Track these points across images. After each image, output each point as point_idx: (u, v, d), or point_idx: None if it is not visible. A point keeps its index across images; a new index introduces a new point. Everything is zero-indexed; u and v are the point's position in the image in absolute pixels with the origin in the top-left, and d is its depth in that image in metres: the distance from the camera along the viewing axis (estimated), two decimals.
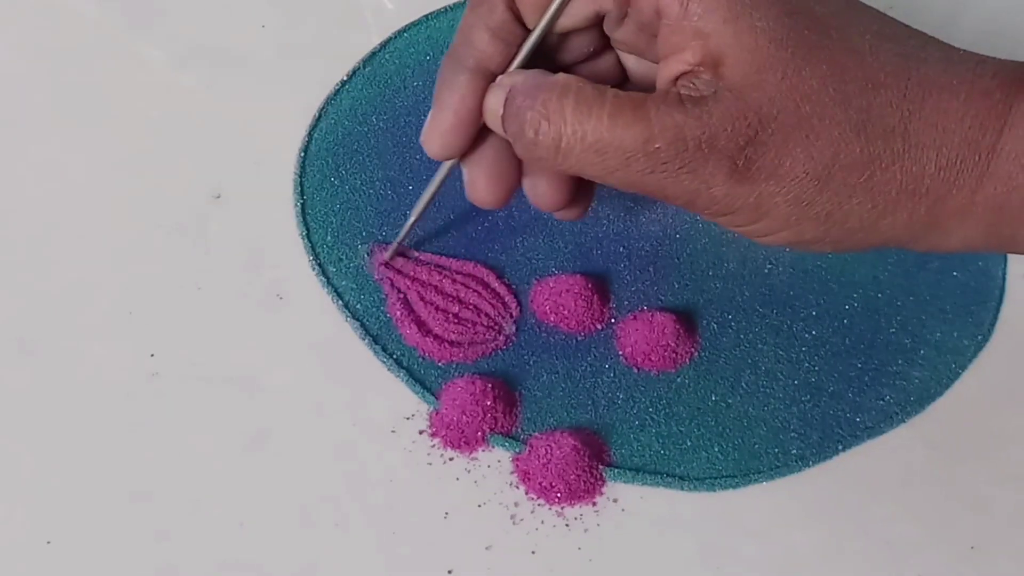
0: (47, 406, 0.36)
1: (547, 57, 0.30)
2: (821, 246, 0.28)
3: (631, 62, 0.31)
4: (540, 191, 0.31)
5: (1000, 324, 0.40)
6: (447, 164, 0.33)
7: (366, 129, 0.44)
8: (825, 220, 0.27)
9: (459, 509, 0.34)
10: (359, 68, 0.47)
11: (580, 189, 0.31)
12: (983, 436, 0.37)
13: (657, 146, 0.25)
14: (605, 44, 0.31)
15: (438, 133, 0.30)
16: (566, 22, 0.29)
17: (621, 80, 0.32)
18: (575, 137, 0.26)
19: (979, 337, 0.39)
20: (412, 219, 0.37)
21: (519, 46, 0.29)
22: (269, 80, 0.46)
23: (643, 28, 0.28)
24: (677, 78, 0.26)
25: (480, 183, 0.31)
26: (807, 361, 0.38)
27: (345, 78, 0.46)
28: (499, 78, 0.29)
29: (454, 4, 0.50)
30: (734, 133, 0.25)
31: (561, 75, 0.27)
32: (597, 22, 0.29)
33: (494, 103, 0.29)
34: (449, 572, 0.33)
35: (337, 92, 0.46)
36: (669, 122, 0.25)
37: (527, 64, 0.29)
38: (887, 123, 0.26)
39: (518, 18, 0.29)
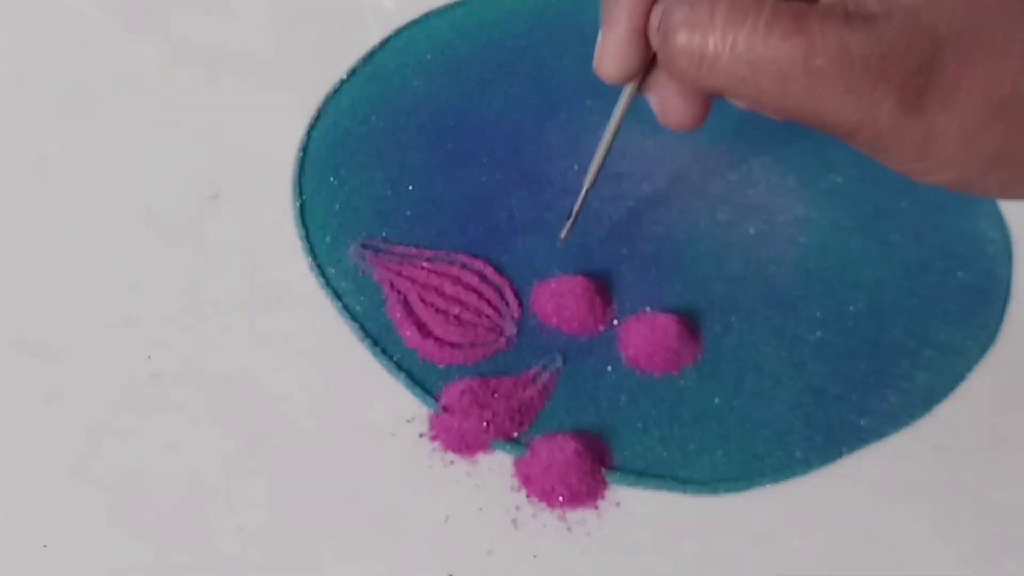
0: (46, 406, 0.35)
1: None
2: (982, 190, 0.26)
3: None
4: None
5: (1006, 326, 0.40)
6: (627, 93, 0.30)
7: (366, 129, 0.44)
8: (993, 159, 0.24)
9: (460, 513, 0.34)
10: (359, 68, 0.46)
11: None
12: (989, 439, 0.37)
13: (819, 62, 0.23)
14: None
15: (613, 49, 0.27)
16: None
17: None
18: (724, 45, 0.24)
19: (984, 339, 0.39)
20: (595, 166, 0.34)
21: None
22: (269, 80, 0.46)
23: None
24: None
25: (675, 101, 0.28)
26: (811, 363, 0.38)
27: (345, 78, 0.46)
28: None
29: (454, 3, 0.49)
30: (907, 55, 0.23)
31: None
32: None
33: (655, 19, 0.26)
34: None
35: (337, 92, 0.45)
36: (834, 36, 0.23)
37: None
38: None
39: None
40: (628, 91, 0.30)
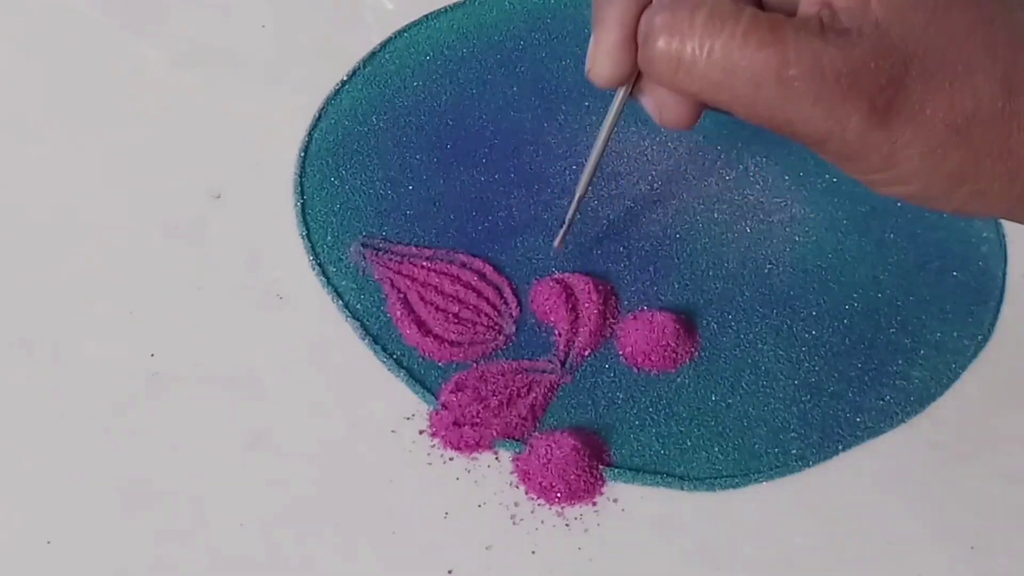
0: (47, 406, 0.36)
1: None
2: (941, 205, 0.26)
3: None
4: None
5: (1000, 324, 0.40)
6: (620, 97, 0.30)
7: (366, 129, 0.44)
8: (954, 178, 0.25)
9: (459, 509, 0.34)
10: (359, 68, 0.47)
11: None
12: (983, 436, 0.37)
13: (792, 72, 0.24)
14: None
15: (605, 53, 0.27)
16: None
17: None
18: (701, 52, 0.24)
19: (979, 337, 0.39)
20: (588, 172, 0.34)
21: None
22: (269, 80, 0.46)
23: None
24: (819, 8, 0.25)
25: (670, 101, 0.28)
26: (807, 361, 0.38)
27: (345, 78, 0.46)
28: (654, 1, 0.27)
29: (454, 4, 0.50)
30: (877, 70, 0.24)
31: None
32: None
33: (643, 23, 0.26)
34: (449, 572, 0.33)
35: (337, 92, 0.46)
36: (807, 48, 0.24)
37: None
38: None
39: None
40: (620, 95, 0.30)
